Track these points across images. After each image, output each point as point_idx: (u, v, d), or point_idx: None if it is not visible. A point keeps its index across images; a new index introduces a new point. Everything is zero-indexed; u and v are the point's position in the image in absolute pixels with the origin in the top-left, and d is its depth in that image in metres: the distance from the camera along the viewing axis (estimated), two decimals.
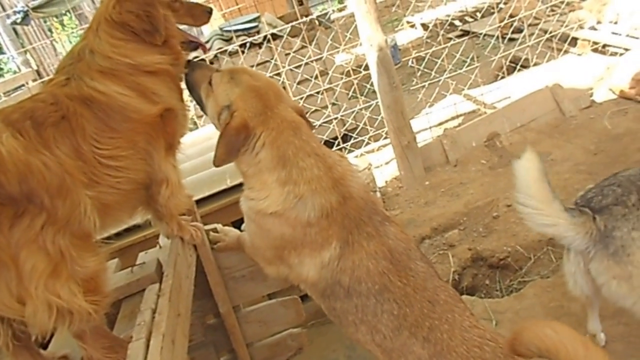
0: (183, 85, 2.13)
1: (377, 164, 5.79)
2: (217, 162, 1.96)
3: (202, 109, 2.18)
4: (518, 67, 6.11)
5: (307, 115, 2.15)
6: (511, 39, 6.33)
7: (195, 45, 2.17)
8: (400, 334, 1.84)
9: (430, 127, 5.60)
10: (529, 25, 6.07)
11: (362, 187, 2.03)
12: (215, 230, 2.47)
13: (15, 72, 9.24)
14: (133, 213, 1.97)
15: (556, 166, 4.94)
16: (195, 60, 2.14)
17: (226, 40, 6.12)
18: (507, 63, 6.03)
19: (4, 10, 8.02)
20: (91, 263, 1.53)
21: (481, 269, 4.20)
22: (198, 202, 2.70)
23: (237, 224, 2.66)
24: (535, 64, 6.19)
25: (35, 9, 7.26)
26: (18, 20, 7.25)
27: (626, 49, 5.92)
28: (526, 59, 6.11)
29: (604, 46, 6.30)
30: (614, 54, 6.13)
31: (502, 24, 6.26)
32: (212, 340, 2.63)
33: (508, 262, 4.11)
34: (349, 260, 1.89)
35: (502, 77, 6.22)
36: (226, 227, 2.50)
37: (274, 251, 2.03)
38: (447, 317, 1.82)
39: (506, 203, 4.59)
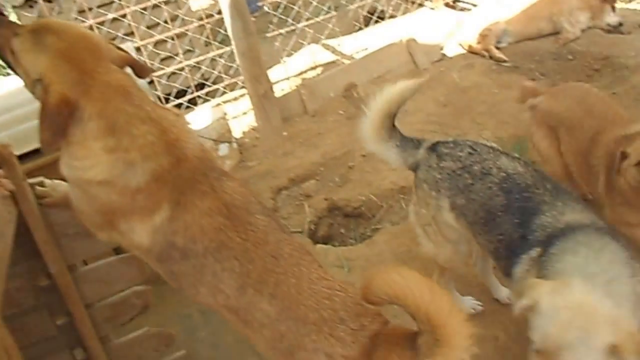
0: None
1: (235, 114, 5.64)
2: (45, 146, 1.73)
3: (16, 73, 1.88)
4: (374, 18, 6.18)
5: (154, 63, 1.95)
6: None
7: None
8: (245, 292, 1.78)
9: (288, 77, 5.53)
10: None
11: (198, 146, 1.91)
12: (41, 184, 2.22)
13: None
14: None
15: (409, 117, 5.10)
16: None
17: None
18: (365, 14, 6.08)
19: None
20: None
21: (337, 218, 4.27)
22: (22, 157, 2.42)
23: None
24: (391, 16, 6.30)
25: None
26: None
27: (474, 5, 6.21)
28: (382, 11, 6.19)
29: (455, 1, 6.56)
30: (463, 9, 6.41)
31: None
32: (46, 304, 2.40)
33: (362, 210, 4.21)
34: (181, 220, 1.77)
35: (360, 28, 6.26)
36: (56, 181, 2.25)
37: (103, 216, 1.87)
38: (293, 270, 1.79)
39: (361, 153, 4.68)
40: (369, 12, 6.09)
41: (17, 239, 1.98)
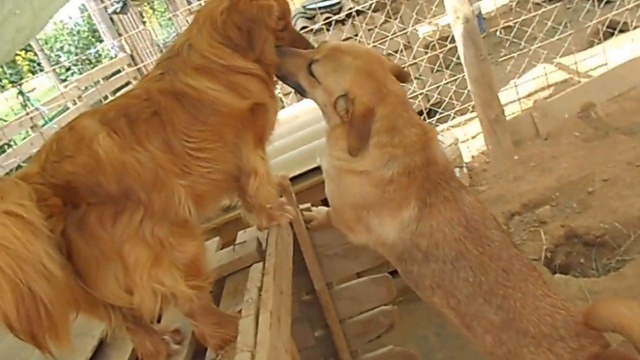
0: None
1: (463, 138, 5.66)
2: (354, 152, 1.97)
3: (302, 94, 2.20)
4: (616, 32, 5.72)
5: None
6: (608, 2, 5.91)
7: None
8: (475, 300, 1.91)
9: (519, 99, 5.40)
10: None
11: (443, 155, 2.09)
12: (308, 209, 2.54)
13: (112, 58, 9.75)
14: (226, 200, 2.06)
15: None
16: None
17: (309, 18, 6.14)
18: (604, 28, 5.67)
19: (102, 1, 8.43)
20: (190, 248, 1.60)
21: (575, 247, 4.05)
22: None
23: (327, 202, 2.71)
24: (635, 28, 5.78)
25: None
26: (117, 10, 7.67)
27: None
28: (625, 24, 5.72)
29: None
30: None
31: None
32: (307, 316, 2.71)
33: (605, 239, 3.93)
34: (427, 223, 1.95)
35: (598, 44, 5.85)
36: (319, 207, 2.56)
37: (354, 211, 2.10)
38: (520, 286, 1.89)
39: (603, 177, 4.39)
40: (609, 27, 5.65)
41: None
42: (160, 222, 1.53)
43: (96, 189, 1.44)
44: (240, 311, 1.60)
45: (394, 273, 2.91)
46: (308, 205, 2.54)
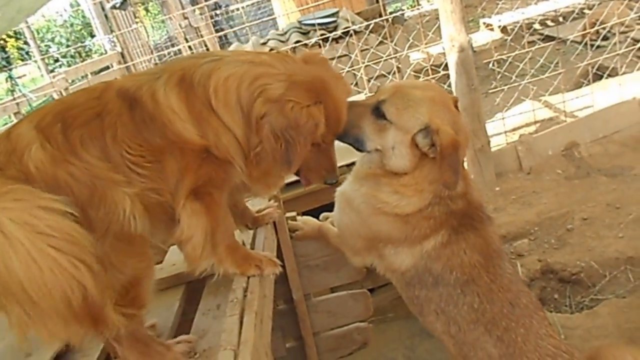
0: None
1: None
2: (453, 186, 1.86)
3: (359, 148, 2.04)
4: (605, 75, 5.84)
5: None
6: (598, 47, 6.05)
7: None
8: (476, 328, 1.88)
9: (505, 132, 5.46)
10: (621, 32, 5.81)
11: (478, 191, 2.09)
12: (294, 218, 2.51)
13: (102, 54, 9.72)
14: None
15: (638, 182, 4.73)
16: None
17: (304, 34, 6.16)
18: (594, 71, 5.78)
19: None
20: (131, 270, 1.48)
21: (550, 282, 4.07)
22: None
23: (309, 213, 2.68)
24: (624, 73, 5.90)
25: None
26: (117, 5, 7.61)
27: None
28: (614, 68, 5.85)
29: None
30: None
31: (593, 29, 5.98)
32: (280, 326, 2.67)
33: (580, 277, 3.96)
34: (449, 249, 1.93)
35: (586, 85, 5.96)
36: (305, 217, 2.53)
37: (369, 242, 2.07)
38: (524, 321, 1.86)
39: (582, 216, 4.43)
40: (598, 70, 5.77)
41: None
42: (102, 239, 1.41)
43: None
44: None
45: (371, 290, 2.90)
46: (294, 214, 2.51)
